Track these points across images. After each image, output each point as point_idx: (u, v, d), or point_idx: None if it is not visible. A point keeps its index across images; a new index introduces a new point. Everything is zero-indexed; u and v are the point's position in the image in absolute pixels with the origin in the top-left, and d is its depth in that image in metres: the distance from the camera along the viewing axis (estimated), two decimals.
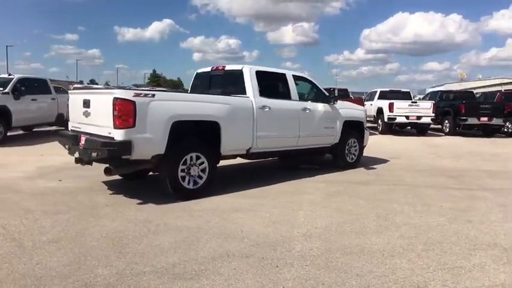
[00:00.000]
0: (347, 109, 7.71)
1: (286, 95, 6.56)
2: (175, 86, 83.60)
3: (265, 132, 6.03)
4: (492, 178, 7.12)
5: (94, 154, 4.74)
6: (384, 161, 8.81)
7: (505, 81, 52.51)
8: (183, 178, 5.12)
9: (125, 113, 4.54)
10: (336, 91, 14.23)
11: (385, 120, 15.51)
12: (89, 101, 5.08)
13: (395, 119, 15.33)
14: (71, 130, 5.66)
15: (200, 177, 5.28)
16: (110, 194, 5.40)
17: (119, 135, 4.58)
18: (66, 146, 5.52)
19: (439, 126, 16.80)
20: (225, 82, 6.52)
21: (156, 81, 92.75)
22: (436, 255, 3.46)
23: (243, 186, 5.88)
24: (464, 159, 9.49)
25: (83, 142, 5.07)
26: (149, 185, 6.09)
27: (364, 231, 4.09)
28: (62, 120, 11.98)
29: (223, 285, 2.84)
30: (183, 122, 5.00)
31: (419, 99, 20.22)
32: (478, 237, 3.93)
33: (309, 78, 7.24)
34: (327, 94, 7.41)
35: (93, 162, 5.21)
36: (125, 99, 4.55)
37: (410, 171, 7.61)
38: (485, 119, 15.07)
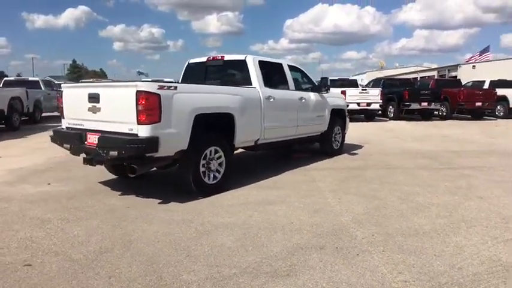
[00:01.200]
0: (332, 97, 7.93)
1: (285, 85, 6.56)
2: (99, 77, 78.71)
3: (271, 123, 5.99)
4: (462, 158, 7.84)
5: (114, 153, 4.34)
6: (356, 146, 9.21)
7: (419, 69, 57.37)
8: (204, 173, 4.91)
9: (150, 108, 4.21)
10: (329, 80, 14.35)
11: None
12: (97, 95, 4.60)
13: (348, 106, 16.04)
14: (69, 128, 5.10)
15: (218, 171, 5.11)
16: (120, 195, 4.99)
17: (144, 131, 4.24)
18: (66, 146, 4.97)
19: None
20: (225, 72, 6.33)
21: (77, 72, 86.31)
22: (482, 230, 3.76)
23: (252, 178, 5.80)
24: (426, 142, 10.29)
25: (92, 141, 4.63)
26: (149, 182, 5.74)
27: (402, 213, 4.29)
28: None
29: (324, 278, 2.82)
30: (203, 115, 4.78)
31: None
32: (501, 212, 4.33)
33: (300, 68, 7.30)
34: (316, 84, 7.55)
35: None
36: (149, 92, 4.21)
37: (389, 155, 8.08)
38: (426, 104, 16.45)
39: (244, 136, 5.52)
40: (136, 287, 2.71)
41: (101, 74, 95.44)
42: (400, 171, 6.52)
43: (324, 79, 7.42)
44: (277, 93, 6.16)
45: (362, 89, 16.71)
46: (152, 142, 4.24)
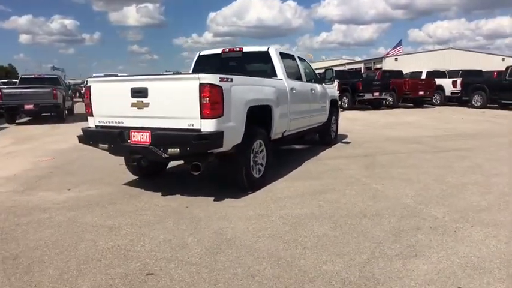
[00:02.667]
0: (329, 88, 8.18)
1: (299, 76, 6.64)
2: (9, 73, 71.35)
3: (294, 114, 6.05)
4: (443, 141, 8.59)
5: (174, 150, 4.09)
6: (340, 136, 9.59)
7: (345, 61, 60.71)
8: (252, 167, 4.83)
9: (215, 101, 4.04)
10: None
11: None
12: (145, 89, 4.27)
13: None
14: (101, 126, 4.67)
15: (262, 165, 5.06)
16: (163, 196, 4.70)
17: (208, 126, 4.05)
18: (102, 145, 4.55)
19: None
20: (245, 64, 6.22)
21: None
22: None
23: (278, 171, 5.76)
24: (397, 129, 11.06)
25: (139, 139, 4.32)
26: (172, 181, 5.49)
27: (450, 193, 4.64)
28: None
29: (451, 254, 2.98)
30: (252, 108, 4.69)
31: None
32: None
33: (305, 59, 7.42)
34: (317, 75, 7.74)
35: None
36: (213, 84, 4.03)
37: (380, 142, 8.57)
38: (377, 94, 17.58)
39: (278, 128, 5.52)
40: (284, 283, 2.64)
41: (10, 69, 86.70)
42: (405, 155, 6.98)
43: (328, 70, 7.59)
44: (296, 84, 6.22)
45: None
46: (218, 137, 4.07)
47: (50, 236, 3.50)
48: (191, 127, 4.11)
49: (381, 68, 36.50)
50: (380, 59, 49.67)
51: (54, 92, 13.36)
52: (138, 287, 2.62)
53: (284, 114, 5.66)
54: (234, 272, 2.79)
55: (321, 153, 7.35)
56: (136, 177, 5.59)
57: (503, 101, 16.63)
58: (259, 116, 5.02)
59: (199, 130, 4.08)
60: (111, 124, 4.60)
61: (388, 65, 42.73)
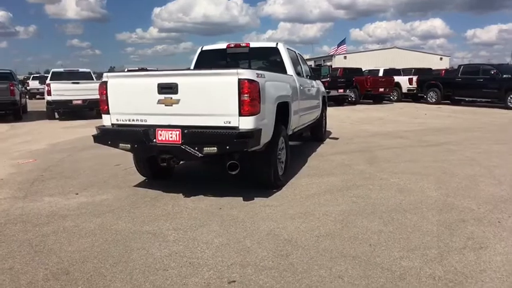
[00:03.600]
0: (320, 85, 8.24)
1: (301, 73, 6.61)
2: None
3: (302, 111, 6.03)
4: (426, 135, 9.00)
5: (211, 149, 3.89)
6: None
7: None
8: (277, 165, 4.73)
9: (253, 97, 3.89)
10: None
11: None
12: (175, 85, 4.00)
13: None
14: (119, 125, 4.32)
15: (283, 162, 4.98)
16: (186, 197, 4.45)
17: (247, 123, 3.89)
18: (124, 145, 4.21)
19: None
20: (252, 60, 6.07)
21: None
22: None
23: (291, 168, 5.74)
24: (374, 124, 11.43)
25: (168, 137, 4.06)
26: (178, 182, 5.26)
27: (469, 185, 4.82)
28: None
29: None
30: (279, 104, 4.59)
31: None
32: None
33: (301, 55, 7.40)
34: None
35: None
36: (252, 80, 3.88)
37: (368, 137, 8.80)
38: (342, 90, 18.08)
39: (293, 124, 5.46)
40: (377, 283, 2.60)
41: None
42: (400, 150, 7.22)
43: (324, 67, 7.64)
44: (302, 81, 6.20)
45: None
46: (257, 135, 3.93)
47: (91, 246, 3.17)
48: (228, 125, 3.93)
49: (331, 66, 37.48)
50: (330, 57, 51.29)
51: (12, 88, 12.23)
52: None
53: (296, 111, 5.61)
54: (319, 274, 2.70)
55: (318, 149, 7.40)
56: (144, 178, 5.27)
57: (456, 97, 17.83)
58: (281, 113, 4.93)
59: (236, 128, 3.91)
60: (132, 122, 4.27)
61: (338, 62, 44.15)
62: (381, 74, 21.44)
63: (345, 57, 50.70)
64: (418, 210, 3.96)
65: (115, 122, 4.35)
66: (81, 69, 16.15)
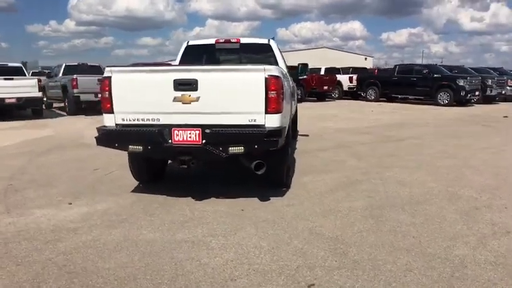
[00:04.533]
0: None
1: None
2: None
3: (290, 108, 6.01)
4: (387, 131, 9.54)
5: (237, 149, 3.72)
6: None
7: None
8: None
9: (280, 94, 3.80)
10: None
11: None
12: (194, 81, 3.73)
13: None
14: (125, 125, 3.93)
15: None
16: (198, 200, 4.21)
17: (273, 121, 3.79)
18: (136, 147, 3.84)
19: None
20: (242, 56, 5.92)
21: None
22: None
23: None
24: (331, 121, 11.83)
25: (186, 138, 3.81)
26: (179, 184, 5.01)
27: (461, 176, 5.20)
28: None
29: None
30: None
31: None
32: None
33: None
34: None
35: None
36: (278, 77, 3.78)
37: (333, 134, 9.09)
38: None
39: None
40: (446, 272, 2.68)
41: None
42: (376, 145, 7.58)
43: (302, 66, 7.67)
44: (289, 78, 6.19)
45: None
46: (284, 133, 3.85)
47: (131, 261, 2.86)
48: (253, 123, 3.78)
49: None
50: None
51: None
52: None
53: (288, 109, 5.59)
54: (388, 269, 2.71)
55: (297, 145, 7.46)
56: (136, 182, 4.86)
57: (393, 95, 19.17)
58: None
59: (262, 126, 3.78)
60: (141, 122, 3.91)
61: None
62: (322, 72, 22.27)
63: None
64: (431, 201, 4.17)
65: (120, 122, 3.95)
66: (10, 64, 14.55)
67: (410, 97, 18.75)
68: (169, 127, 3.83)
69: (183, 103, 3.80)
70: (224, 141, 3.73)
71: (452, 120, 11.77)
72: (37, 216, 3.80)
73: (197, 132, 3.79)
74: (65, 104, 13.87)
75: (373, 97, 19.71)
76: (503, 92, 18.81)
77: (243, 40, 5.85)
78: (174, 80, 3.77)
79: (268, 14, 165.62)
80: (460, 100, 16.76)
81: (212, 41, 5.91)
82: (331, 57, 48.49)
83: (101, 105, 4.06)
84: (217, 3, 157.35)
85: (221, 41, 5.87)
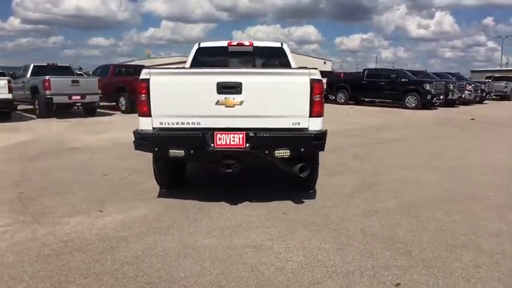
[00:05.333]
0: None
1: None
2: None
3: None
4: (374, 134, 9.88)
5: (283, 152, 3.73)
6: None
7: (183, 59, 61.44)
8: None
9: (322, 98, 3.85)
10: None
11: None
12: (239, 84, 3.70)
13: None
14: (163, 129, 3.80)
15: None
16: (233, 205, 4.16)
17: (316, 125, 3.84)
18: (177, 152, 3.73)
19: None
20: (255, 59, 5.91)
21: None
22: None
23: None
24: None
25: (229, 141, 3.76)
26: (194, 186, 4.95)
27: (469, 176, 5.52)
28: None
29: None
30: None
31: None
32: None
33: None
34: None
35: None
36: (320, 80, 3.83)
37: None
38: None
39: None
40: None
41: None
42: (368, 147, 7.82)
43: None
44: None
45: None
46: (325, 136, 3.90)
47: (204, 268, 2.79)
48: (297, 126, 3.81)
49: None
50: None
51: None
52: None
53: None
54: (459, 266, 2.85)
55: None
56: (158, 188, 4.70)
57: (362, 98, 19.87)
58: None
59: (306, 129, 3.81)
60: (180, 126, 3.81)
61: None
62: None
63: None
64: (456, 200, 4.40)
65: (158, 125, 3.82)
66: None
67: (377, 100, 19.56)
68: (212, 131, 3.76)
69: (226, 106, 3.75)
70: (269, 145, 3.73)
71: (428, 123, 12.40)
72: (73, 225, 3.59)
73: (241, 136, 3.76)
74: (34, 106, 13.07)
75: (343, 100, 20.30)
76: (463, 95, 20.09)
77: (256, 43, 5.84)
78: (218, 83, 3.71)
79: (224, 16, 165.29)
80: (425, 104, 17.67)
81: (225, 43, 5.85)
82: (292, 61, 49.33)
83: (137, 108, 3.90)
84: (172, 4, 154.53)
85: (234, 43, 5.82)
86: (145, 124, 3.85)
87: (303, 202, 4.29)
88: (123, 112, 14.13)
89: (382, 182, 5.12)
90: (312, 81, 3.75)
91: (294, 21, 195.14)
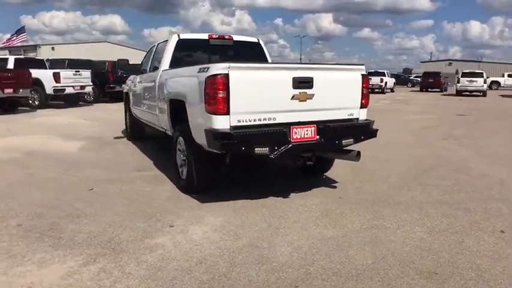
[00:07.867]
0: None
1: None
2: None
3: None
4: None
5: (347, 142, 4.09)
6: None
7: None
8: None
9: (368, 91, 4.35)
10: None
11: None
12: (311, 79, 3.80)
13: (65, 90, 14.13)
14: (242, 126, 3.58)
15: None
16: (285, 198, 4.22)
17: (365, 115, 4.34)
18: (262, 150, 3.57)
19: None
20: (234, 53, 5.80)
21: None
22: None
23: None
24: None
25: (302, 135, 3.87)
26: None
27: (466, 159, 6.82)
28: None
29: None
30: None
31: None
32: None
33: None
34: None
35: None
36: (365, 75, 4.29)
37: None
38: None
39: None
40: None
41: None
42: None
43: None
44: None
45: (75, 71, 14.95)
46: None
47: (381, 257, 2.93)
48: (351, 117, 4.19)
49: (36, 56, 31.73)
50: (35, 47, 45.72)
51: None
52: None
53: None
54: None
55: None
56: (197, 191, 4.23)
57: None
58: None
59: (357, 119, 4.24)
60: (258, 122, 3.66)
61: (45, 53, 38.75)
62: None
63: (53, 49, 46.50)
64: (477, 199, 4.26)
65: (235, 123, 3.55)
66: None
67: None
68: (288, 125, 3.78)
69: (300, 101, 3.82)
70: (338, 135, 4.00)
71: None
72: (172, 241, 3.06)
73: (312, 128, 3.90)
74: None
75: None
76: None
77: (236, 37, 5.76)
78: (293, 78, 3.75)
79: None
80: None
81: (205, 36, 5.56)
82: (118, 54, 46.11)
83: (208, 107, 3.52)
84: None
85: (215, 36, 5.60)
86: (222, 123, 3.52)
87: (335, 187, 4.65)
88: None
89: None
90: (363, 76, 4.20)
91: (96, 9, 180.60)
